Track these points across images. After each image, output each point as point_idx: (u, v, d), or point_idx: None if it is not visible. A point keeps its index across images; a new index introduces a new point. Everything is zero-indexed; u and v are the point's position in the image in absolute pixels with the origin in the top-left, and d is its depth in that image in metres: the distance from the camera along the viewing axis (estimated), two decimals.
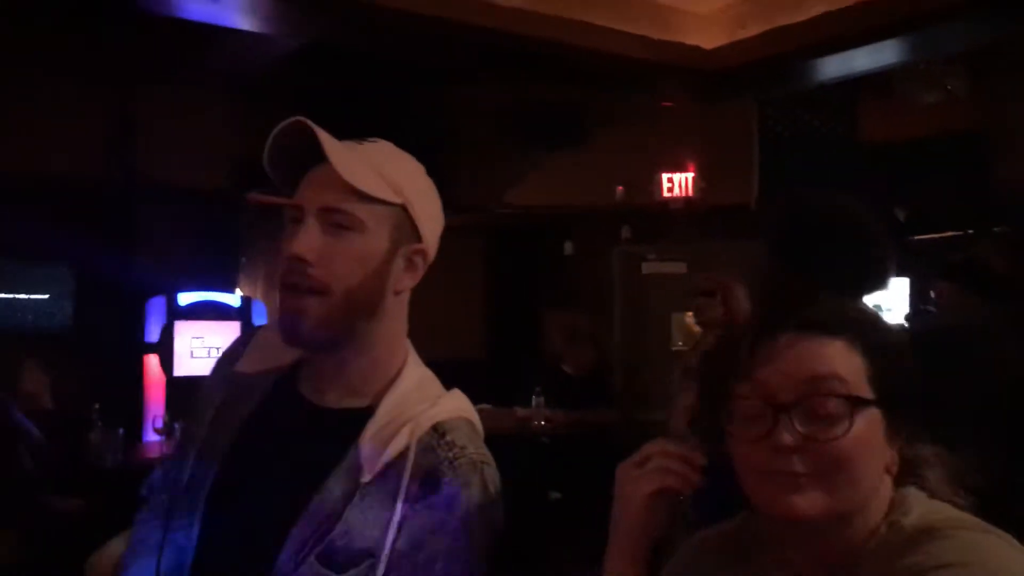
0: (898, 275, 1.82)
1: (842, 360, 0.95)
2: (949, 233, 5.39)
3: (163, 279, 5.23)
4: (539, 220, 6.73)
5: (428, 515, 1.09)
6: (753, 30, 4.47)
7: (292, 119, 1.12)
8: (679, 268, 6.49)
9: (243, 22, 3.94)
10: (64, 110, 5.02)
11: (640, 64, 4.53)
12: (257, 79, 5.27)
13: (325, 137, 1.11)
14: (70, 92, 5.08)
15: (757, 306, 1.05)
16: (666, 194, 6.11)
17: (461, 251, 6.86)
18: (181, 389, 5.13)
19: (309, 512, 1.11)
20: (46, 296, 5.16)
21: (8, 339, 5.00)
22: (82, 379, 4.52)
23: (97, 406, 4.34)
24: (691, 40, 4.63)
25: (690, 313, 4.11)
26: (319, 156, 1.11)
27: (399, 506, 1.08)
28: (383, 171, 1.14)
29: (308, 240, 1.11)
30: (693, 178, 6.08)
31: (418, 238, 1.17)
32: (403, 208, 1.15)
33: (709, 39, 4.65)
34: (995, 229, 4.85)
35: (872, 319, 1.01)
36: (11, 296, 5.22)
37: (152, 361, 5.16)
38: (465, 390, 1.28)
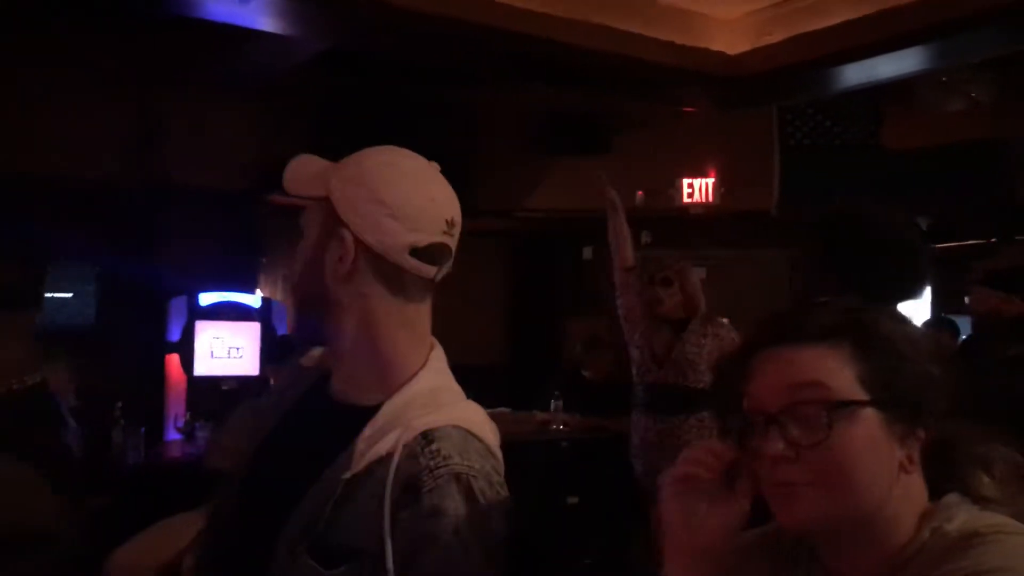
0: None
1: (825, 366, 0.96)
2: (972, 241, 5.36)
3: (185, 280, 5.27)
4: (559, 225, 6.74)
5: (413, 523, 1.08)
6: (777, 36, 4.46)
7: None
8: (699, 274, 6.48)
9: (267, 24, 3.96)
10: (88, 114, 5.07)
11: (663, 69, 4.53)
12: (279, 82, 5.30)
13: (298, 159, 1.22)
14: (94, 96, 5.14)
15: (753, 322, 1.05)
16: (686, 199, 6.11)
17: (482, 255, 6.88)
18: (202, 388, 5.18)
19: (302, 503, 1.14)
20: (70, 295, 5.21)
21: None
22: (105, 377, 4.57)
23: (120, 404, 4.39)
24: (715, 46, 4.62)
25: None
26: None
27: (385, 510, 1.08)
28: (327, 172, 1.20)
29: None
30: (714, 184, 6.07)
31: (343, 224, 1.17)
32: (327, 199, 1.18)
33: (733, 45, 4.64)
34: (1018, 237, 4.81)
35: (872, 322, 1.00)
36: None
37: (174, 360, 5.20)
38: (485, 394, 1.29)
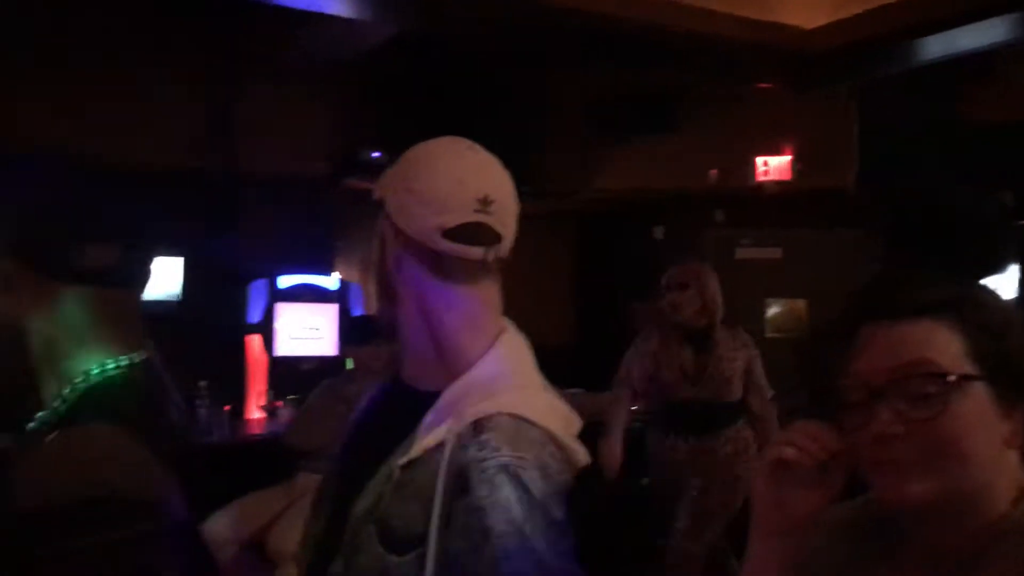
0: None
1: (934, 340, 0.96)
2: None
3: (265, 263, 5.41)
4: (628, 205, 6.70)
5: (466, 515, 1.08)
6: (854, 9, 4.34)
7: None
8: (774, 253, 6.38)
9: (340, 8, 4.02)
10: (169, 103, 5.22)
11: (738, 45, 4.45)
12: (351, 67, 5.38)
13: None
14: (176, 85, 5.28)
15: (851, 296, 1.04)
16: (761, 178, 6.00)
17: (551, 237, 6.89)
18: (282, 368, 5.33)
19: (368, 486, 1.18)
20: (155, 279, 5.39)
21: None
22: (189, 358, 4.72)
23: (204, 383, 4.54)
24: (791, 20, 4.52)
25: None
26: None
27: (437, 500, 1.09)
28: (385, 175, 1.26)
29: None
30: (789, 161, 5.96)
31: (388, 218, 1.22)
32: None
33: (809, 19, 4.53)
34: None
35: (974, 296, 1.00)
36: None
37: (255, 341, 5.35)
38: (556, 375, 1.29)
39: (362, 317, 5.33)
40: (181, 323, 5.28)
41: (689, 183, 6.18)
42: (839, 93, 5.68)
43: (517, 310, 1.30)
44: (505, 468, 1.09)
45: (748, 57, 4.69)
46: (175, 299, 5.03)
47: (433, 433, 1.14)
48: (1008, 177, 5.07)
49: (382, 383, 1.35)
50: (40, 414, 1.25)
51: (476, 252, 1.18)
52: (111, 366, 1.23)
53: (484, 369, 1.19)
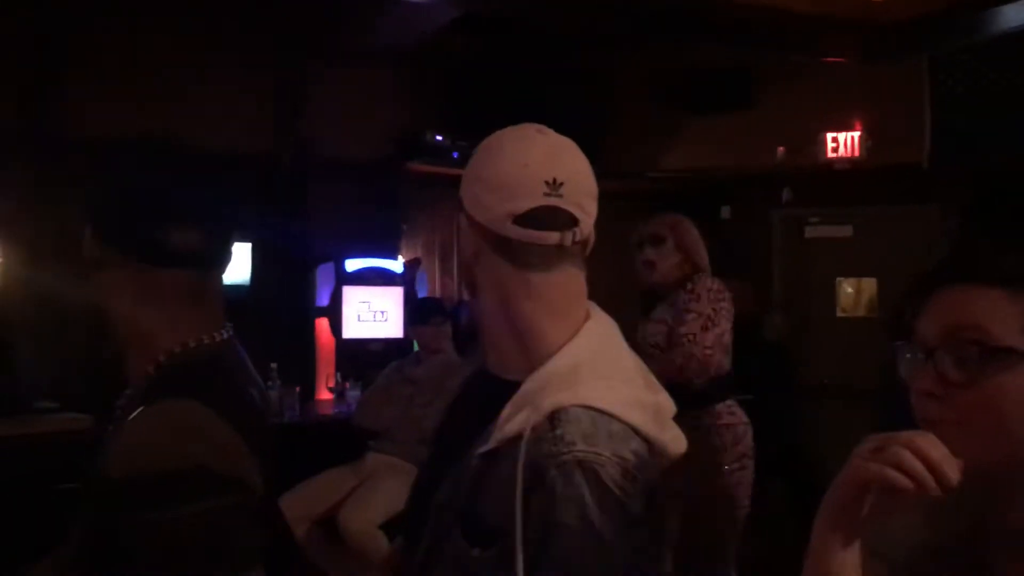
0: None
1: (993, 309, 0.94)
2: None
3: (332, 246, 5.48)
4: (696, 184, 6.62)
5: (541, 508, 1.06)
6: None
7: None
8: (844, 232, 6.26)
9: None
10: (236, 89, 5.32)
11: (808, 18, 4.35)
12: (417, 51, 5.40)
13: None
14: (244, 71, 5.37)
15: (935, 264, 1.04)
16: (831, 154, 5.87)
17: (616, 218, 6.82)
18: (350, 350, 5.41)
19: (449, 476, 1.18)
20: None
21: None
22: (260, 340, 4.82)
23: (274, 365, 4.63)
24: None
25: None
26: None
27: (516, 493, 1.07)
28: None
29: None
30: (860, 137, 5.81)
31: (464, 209, 1.22)
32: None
33: None
34: None
35: None
36: None
37: (323, 324, 5.44)
38: None
39: (426, 299, 5.38)
40: (251, 307, 5.40)
41: (756, 161, 6.08)
42: (911, 65, 5.51)
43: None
44: (580, 464, 1.07)
45: (818, 30, 4.58)
46: (244, 284, 5.13)
47: (511, 424, 1.12)
48: None
49: (473, 371, 1.34)
50: (127, 390, 1.29)
51: (551, 237, 1.16)
52: (195, 345, 1.27)
53: (565, 359, 1.16)
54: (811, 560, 0.96)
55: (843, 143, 5.83)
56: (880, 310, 5.99)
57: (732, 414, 3.15)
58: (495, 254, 1.19)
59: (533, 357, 1.17)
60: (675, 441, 1.19)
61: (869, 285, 6.18)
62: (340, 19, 5.05)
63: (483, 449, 1.14)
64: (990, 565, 0.99)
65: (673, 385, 1.34)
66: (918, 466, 0.88)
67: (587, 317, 1.22)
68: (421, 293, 5.71)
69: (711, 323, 3.13)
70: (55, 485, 3.16)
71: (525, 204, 1.15)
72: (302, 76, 5.53)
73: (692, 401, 2.81)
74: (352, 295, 5.45)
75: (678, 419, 1.23)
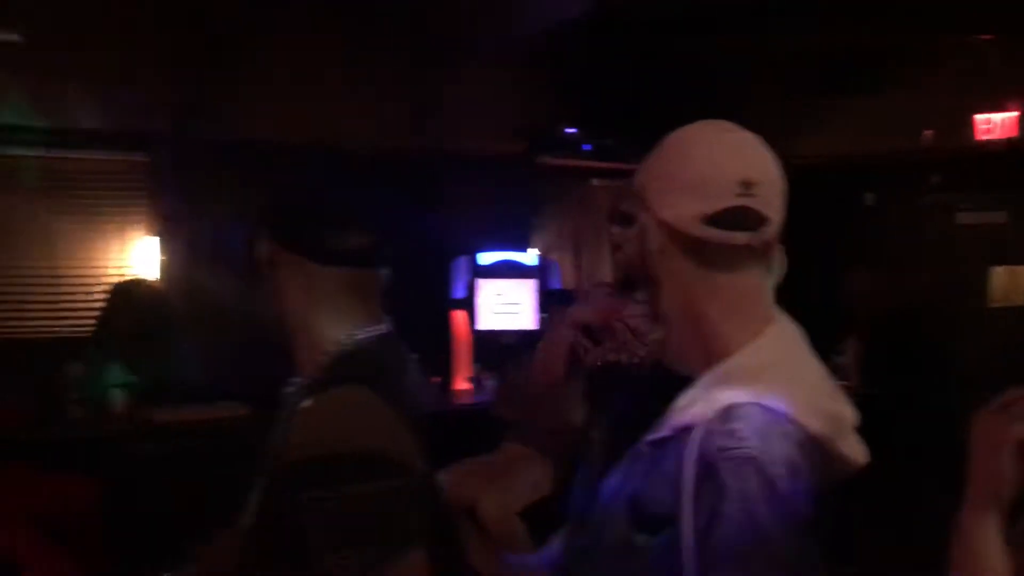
0: None
1: None
2: None
3: (466, 240, 5.59)
4: (837, 170, 6.39)
5: (709, 500, 1.07)
6: None
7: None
8: (998, 218, 5.94)
9: None
10: (373, 87, 5.48)
11: None
12: (549, 43, 5.42)
13: None
14: (376, 69, 5.53)
15: None
16: (983, 136, 5.56)
17: None
18: (485, 341, 5.50)
19: (619, 464, 1.20)
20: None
21: None
22: (400, 332, 4.96)
23: (415, 356, 4.76)
24: None
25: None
26: None
27: (684, 483, 1.08)
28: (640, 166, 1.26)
29: None
30: (1016, 117, 5.49)
31: (646, 207, 1.23)
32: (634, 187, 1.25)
33: None
34: None
35: None
36: None
37: (459, 316, 5.55)
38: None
39: (558, 291, 5.42)
40: (389, 299, 5.58)
41: (901, 145, 5.82)
42: None
43: None
44: (751, 460, 1.07)
45: (970, 5, 4.35)
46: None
47: (684, 415, 1.13)
48: None
49: (646, 366, 1.36)
50: (296, 379, 1.39)
51: (740, 238, 1.16)
52: (361, 337, 1.35)
53: (746, 358, 1.16)
54: (958, 533, 0.97)
55: (997, 124, 5.51)
56: None
57: None
58: (680, 252, 1.19)
59: (711, 354, 1.18)
60: (853, 451, 1.17)
61: None
62: (472, 14, 5.13)
63: (655, 436, 1.15)
64: None
65: None
66: None
67: (770, 320, 1.22)
68: (555, 286, 5.74)
69: None
70: (214, 467, 3.38)
71: (717, 204, 1.15)
72: (436, 73, 5.64)
73: None
74: (486, 288, 5.54)
75: None
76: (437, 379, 4.93)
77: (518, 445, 4.21)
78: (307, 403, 1.27)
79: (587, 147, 5.51)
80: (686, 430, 1.12)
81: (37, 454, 3.77)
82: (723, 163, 1.16)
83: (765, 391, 1.12)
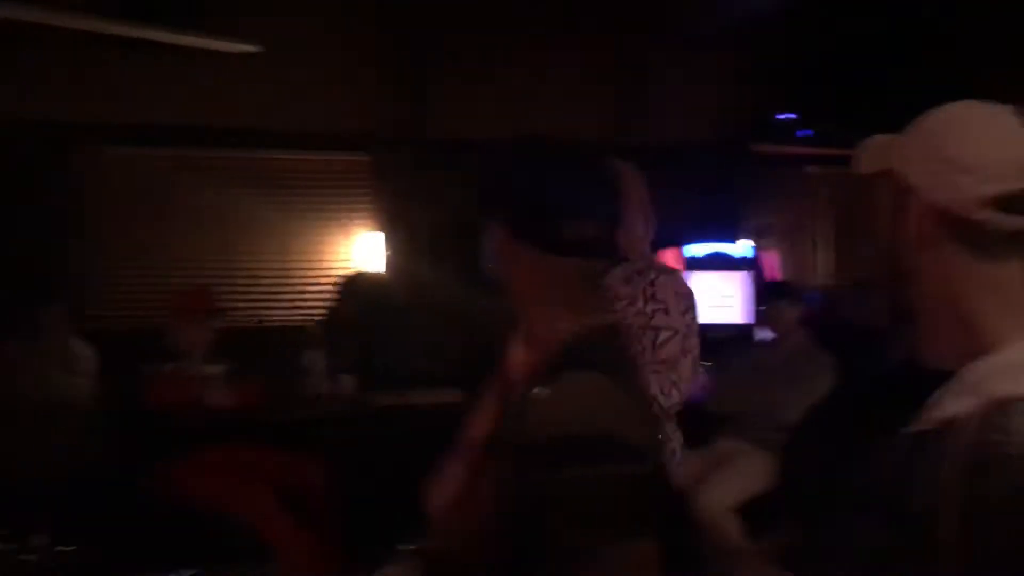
0: None
1: None
2: None
3: (674, 231, 5.51)
4: None
5: (975, 497, 1.01)
6: None
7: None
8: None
9: None
10: (578, 76, 5.51)
11: None
12: (761, 28, 5.26)
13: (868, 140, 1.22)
14: (583, 57, 5.56)
15: None
16: None
17: None
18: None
19: (870, 457, 1.15)
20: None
21: None
22: None
23: None
24: None
25: None
26: None
27: (950, 480, 1.02)
28: (891, 145, 1.20)
29: None
30: None
31: (911, 191, 1.15)
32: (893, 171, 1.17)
33: None
34: None
35: None
36: None
37: None
38: None
39: (776, 283, 5.24)
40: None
41: None
42: None
43: None
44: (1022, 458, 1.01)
45: None
46: None
47: (946, 409, 1.08)
48: None
49: (893, 359, 1.30)
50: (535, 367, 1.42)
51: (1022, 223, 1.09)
52: (595, 325, 1.36)
53: (1017, 352, 1.09)
54: None
55: None
56: None
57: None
58: (951, 239, 1.12)
59: (976, 348, 1.11)
60: None
61: None
62: (681, 1, 5.06)
63: (914, 429, 1.10)
64: None
65: None
66: None
67: None
68: (770, 277, 5.57)
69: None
70: (434, 450, 3.52)
71: (1002, 187, 1.08)
72: (643, 60, 5.60)
73: None
74: (696, 280, 5.44)
75: None
76: None
77: (733, 440, 4.13)
78: (544, 388, 1.29)
79: (803, 133, 5.29)
80: (949, 424, 1.05)
81: (272, 435, 4.07)
82: (1009, 143, 1.09)
83: None
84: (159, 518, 3.49)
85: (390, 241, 5.20)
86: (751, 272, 5.48)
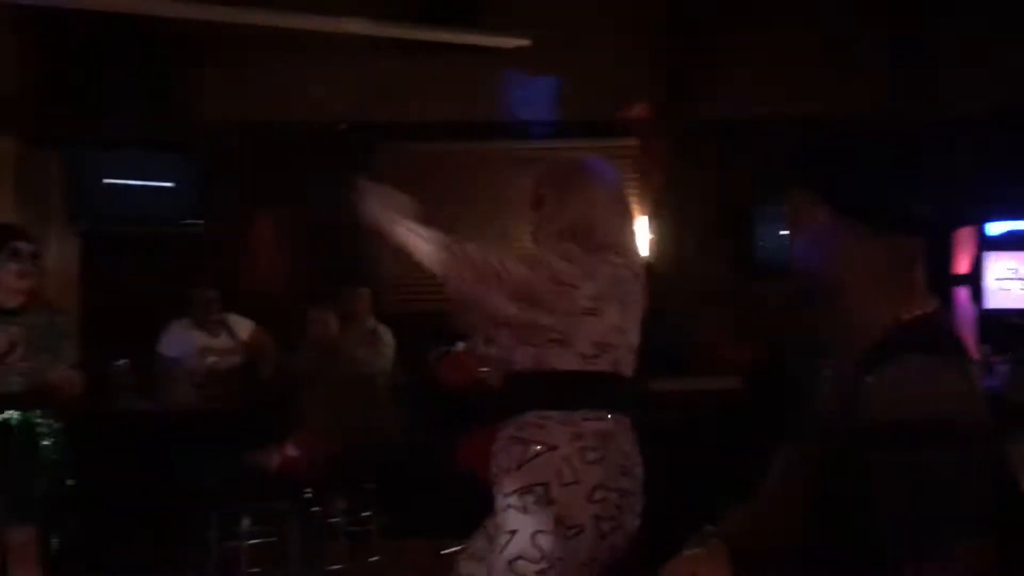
0: None
1: None
2: None
3: (971, 209, 5.12)
4: None
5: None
6: None
7: None
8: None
9: None
10: (850, 47, 5.26)
11: None
12: None
13: None
14: (858, 27, 5.29)
15: None
16: None
17: None
18: (992, 322, 5.00)
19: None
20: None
21: None
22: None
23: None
24: None
25: None
26: None
27: None
28: None
29: None
30: None
31: None
32: None
33: None
34: None
35: None
36: None
37: (962, 293, 5.12)
38: None
39: None
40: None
41: None
42: None
43: None
44: None
45: None
46: None
47: None
48: None
49: None
50: (854, 349, 1.38)
51: None
52: (933, 308, 1.33)
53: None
54: None
55: None
56: None
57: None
58: None
59: None
60: None
61: None
62: None
63: None
64: None
65: None
66: None
67: None
68: None
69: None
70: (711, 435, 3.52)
71: None
72: (933, 25, 5.23)
73: None
74: (995, 261, 5.05)
75: None
76: None
77: None
78: (885, 370, 1.27)
79: None
80: None
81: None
82: None
83: None
84: (456, 488, 3.75)
85: (656, 225, 5.23)
86: None
